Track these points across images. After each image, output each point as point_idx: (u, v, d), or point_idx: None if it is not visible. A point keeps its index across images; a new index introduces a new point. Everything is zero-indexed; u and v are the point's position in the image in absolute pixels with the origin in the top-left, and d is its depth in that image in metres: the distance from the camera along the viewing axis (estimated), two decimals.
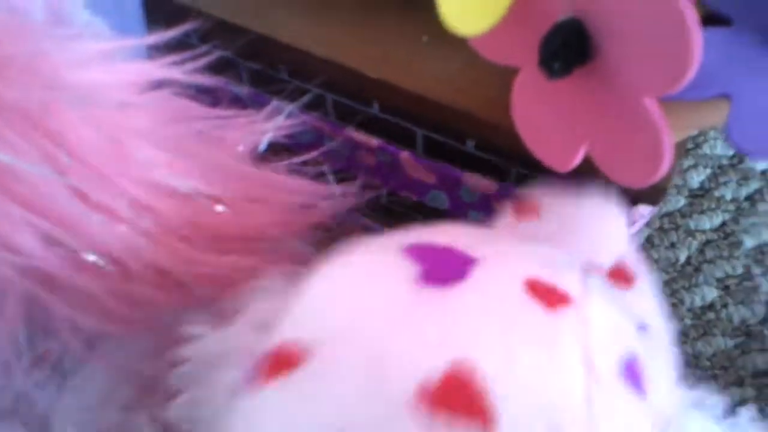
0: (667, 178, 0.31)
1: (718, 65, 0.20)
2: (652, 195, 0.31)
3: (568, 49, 0.21)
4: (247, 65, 0.38)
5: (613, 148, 0.22)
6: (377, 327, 0.20)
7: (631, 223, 0.35)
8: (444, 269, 0.21)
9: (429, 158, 0.36)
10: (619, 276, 0.27)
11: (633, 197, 0.32)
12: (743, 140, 0.21)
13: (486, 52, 0.24)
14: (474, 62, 0.32)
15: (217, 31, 0.34)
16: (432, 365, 0.19)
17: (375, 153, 0.37)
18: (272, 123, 0.32)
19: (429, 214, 0.39)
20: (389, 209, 0.41)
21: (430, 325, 0.20)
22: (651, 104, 0.20)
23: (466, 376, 0.19)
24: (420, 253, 0.22)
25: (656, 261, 0.52)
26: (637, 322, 0.24)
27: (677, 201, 0.54)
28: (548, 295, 0.20)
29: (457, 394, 0.18)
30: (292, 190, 0.32)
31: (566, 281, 0.21)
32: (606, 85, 0.21)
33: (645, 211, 0.33)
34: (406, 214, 0.40)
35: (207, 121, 0.30)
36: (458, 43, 0.32)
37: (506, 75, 0.31)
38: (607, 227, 0.28)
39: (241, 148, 0.31)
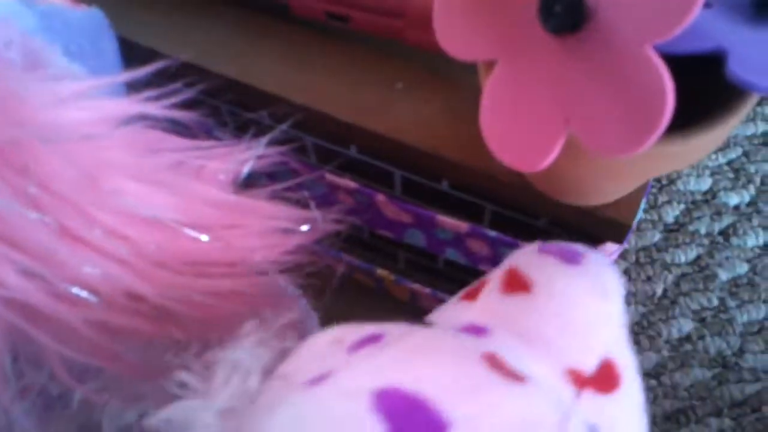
0: (630, 215, 0.32)
1: (713, 20, 0.21)
2: (617, 232, 0.32)
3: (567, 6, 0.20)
4: (228, 107, 0.39)
5: (603, 117, 0.21)
6: None
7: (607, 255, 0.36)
8: None
9: (407, 197, 0.37)
10: (604, 378, 0.25)
11: (598, 235, 0.34)
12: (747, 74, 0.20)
13: (457, 53, 0.24)
14: (446, 107, 0.33)
15: (195, 73, 0.35)
16: None
17: (353, 194, 0.38)
18: (252, 153, 0.33)
19: (409, 248, 0.40)
20: (370, 245, 0.42)
21: None
22: (651, 52, 0.20)
23: None
24: (390, 408, 0.21)
25: (634, 294, 0.53)
26: None
27: (653, 235, 0.55)
28: None
29: None
30: (272, 215, 0.32)
31: None
32: (599, 47, 0.20)
33: (612, 248, 0.34)
34: (386, 249, 0.41)
35: (185, 152, 0.31)
36: (431, 89, 0.34)
37: (476, 120, 0.32)
38: (599, 309, 0.26)
39: (221, 176, 0.32)
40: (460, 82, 0.34)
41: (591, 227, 0.33)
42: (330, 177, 0.37)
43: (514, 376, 0.22)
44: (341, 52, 0.35)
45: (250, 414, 0.23)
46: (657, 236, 0.55)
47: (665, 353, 0.52)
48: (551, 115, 0.22)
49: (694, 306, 0.53)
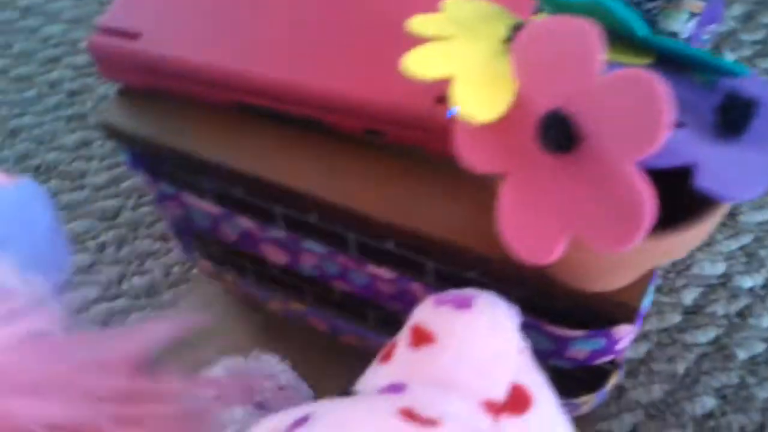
0: (638, 298, 0.36)
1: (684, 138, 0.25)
2: (627, 314, 0.36)
3: (562, 132, 0.25)
4: (281, 210, 0.44)
5: (596, 221, 0.25)
6: None
7: (617, 340, 0.40)
8: None
9: (438, 285, 0.42)
10: (517, 401, 0.27)
11: (611, 318, 0.37)
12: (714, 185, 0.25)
13: (471, 165, 0.28)
14: (472, 207, 0.38)
15: (254, 183, 0.41)
16: None
17: (392, 283, 0.42)
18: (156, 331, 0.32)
19: None
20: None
21: None
22: (632, 168, 0.23)
23: None
24: None
25: (657, 374, 0.56)
26: None
27: (672, 317, 0.59)
28: None
29: None
30: (181, 394, 0.32)
31: None
32: (590, 163, 0.24)
33: (627, 329, 0.38)
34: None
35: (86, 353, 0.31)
36: (458, 192, 0.39)
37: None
38: (500, 342, 0.29)
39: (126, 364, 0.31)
40: (482, 187, 0.39)
41: (604, 310, 0.36)
42: (371, 268, 0.42)
43: (430, 422, 0.26)
44: (377, 162, 0.40)
45: None
46: (677, 318, 0.59)
47: (690, 430, 0.54)
48: (553, 219, 0.27)
49: (716, 384, 0.56)
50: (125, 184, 0.69)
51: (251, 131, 0.41)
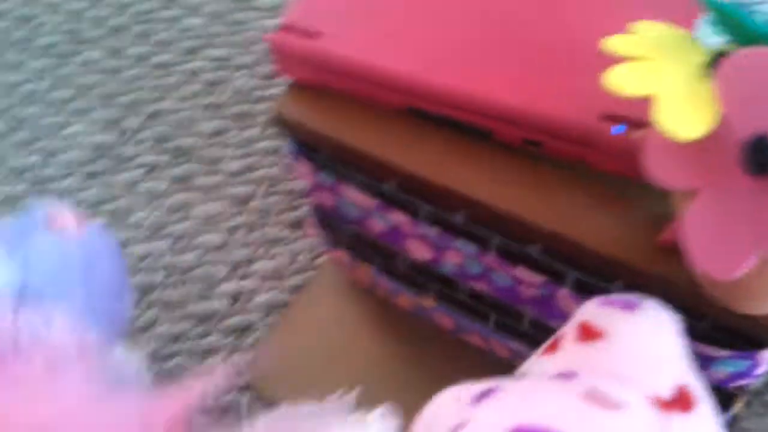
0: None
1: None
2: None
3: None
4: (427, 209, 0.46)
5: None
6: None
7: (761, 363, 0.41)
8: None
9: (579, 295, 0.43)
10: (682, 400, 0.29)
11: (759, 340, 0.39)
12: None
13: (663, 182, 0.30)
14: (629, 218, 0.40)
15: (416, 182, 0.43)
16: None
17: (536, 287, 0.44)
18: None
19: None
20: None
21: None
22: None
23: None
24: None
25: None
26: None
27: None
28: None
29: None
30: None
31: None
32: None
33: None
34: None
35: None
36: (614, 204, 0.40)
37: (655, 231, 0.39)
38: (666, 345, 0.31)
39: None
40: (635, 201, 0.40)
41: (755, 332, 0.38)
42: (519, 272, 0.44)
43: (612, 405, 0.28)
44: (536, 171, 0.42)
45: None
46: None
47: None
48: (744, 236, 0.28)
49: None
50: (258, 173, 0.72)
51: (417, 133, 0.44)
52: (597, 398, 0.28)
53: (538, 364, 0.33)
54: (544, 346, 0.34)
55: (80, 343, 0.37)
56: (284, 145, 0.65)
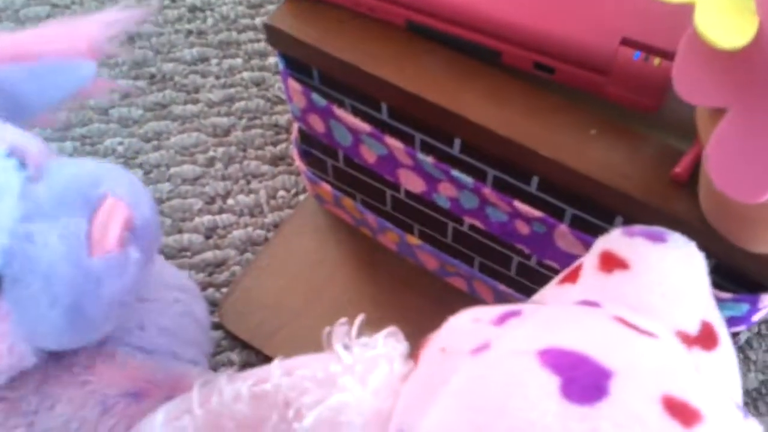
0: None
1: None
2: None
3: None
4: (420, 138, 0.44)
5: None
6: None
7: (759, 308, 0.39)
8: (583, 383, 0.23)
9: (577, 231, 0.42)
10: (707, 337, 0.28)
11: (762, 283, 0.37)
12: None
13: (693, 98, 0.28)
14: (638, 151, 0.38)
15: (403, 101, 0.41)
16: None
17: (531, 223, 0.42)
18: None
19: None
20: (536, 272, 0.47)
21: None
22: None
23: None
24: (556, 362, 0.24)
25: (754, 362, 0.56)
26: (738, 405, 0.27)
27: None
28: (684, 413, 0.23)
29: None
30: None
31: (694, 396, 0.24)
32: None
33: None
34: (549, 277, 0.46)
35: None
36: (621, 138, 0.38)
37: (665, 165, 0.37)
38: (693, 278, 0.30)
39: None
40: (645, 135, 0.39)
41: (757, 273, 0.36)
42: (517, 204, 0.42)
43: (647, 333, 0.26)
44: (542, 98, 0.40)
45: (421, 389, 0.27)
46: None
47: None
48: None
49: None
50: (239, 104, 0.69)
51: (417, 51, 0.41)
52: (628, 324, 0.26)
53: (555, 293, 0.31)
54: (561, 275, 0.32)
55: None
56: (269, 73, 0.62)
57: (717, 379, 0.28)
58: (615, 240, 0.31)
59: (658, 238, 0.30)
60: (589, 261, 0.30)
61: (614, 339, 0.25)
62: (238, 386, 0.32)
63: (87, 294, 0.35)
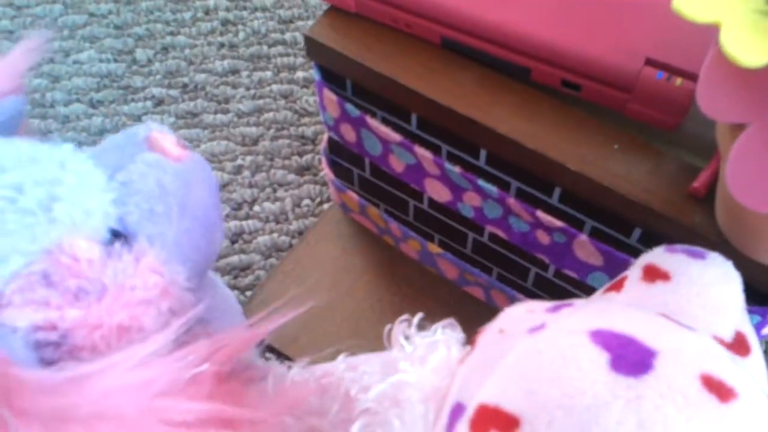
0: None
1: None
2: None
3: None
4: (448, 149, 0.46)
5: None
6: (584, 409, 0.25)
7: (767, 322, 0.41)
8: (631, 359, 0.26)
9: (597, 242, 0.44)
10: (740, 345, 0.30)
11: None
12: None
13: (716, 114, 0.30)
14: (659, 166, 0.40)
15: (435, 113, 0.43)
16: None
17: (552, 233, 0.44)
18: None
19: (588, 290, 0.46)
20: (553, 283, 0.48)
21: (630, 411, 0.25)
22: None
23: None
24: (606, 341, 0.27)
25: None
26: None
27: None
28: (720, 390, 0.26)
29: None
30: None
31: (730, 376, 0.27)
32: None
33: None
34: (566, 289, 0.47)
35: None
36: (643, 154, 0.40)
37: (683, 181, 0.39)
38: (729, 293, 0.32)
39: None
40: (665, 151, 0.41)
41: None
42: (540, 214, 0.44)
43: (687, 327, 0.28)
44: (568, 113, 0.42)
45: (479, 366, 0.29)
46: None
47: None
48: None
49: None
50: (267, 115, 0.72)
51: (449, 66, 0.44)
52: (672, 320, 0.29)
53: (601, 300, 0.34)
54: (606, 286, 0.34)
55: (165, 285, 0.36)
56: (298, 87, 0.64)
57: (752, 380, 0.30)
58: (658, 255, 0.33)
59: (699, 255, 0.32)
60: (634, 273, 0.33)
61: (659, 326, 0.28)
62: (306, 377, 0.34)
63: (189, 196, 0.38)
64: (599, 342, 0.27)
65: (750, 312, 0.40)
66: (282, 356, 0.59)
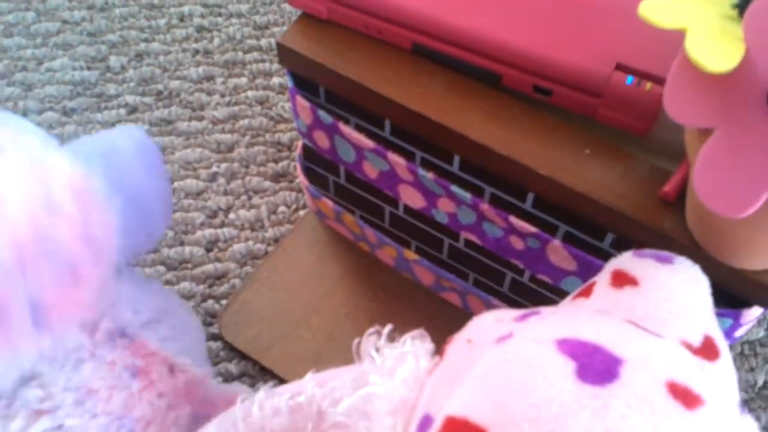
0: None
1: None
2: (764, 297, 0.38)
3: None
4: (422, 155, 0.46)
5: None
6: (551, 419, 0.25)
7: (741, 324, 0.41)
8: (597, 368, 0.26)
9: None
10: (709, 349, 0.30)
11: (747, 297, 0.39)
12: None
13: (682, 119, 0.30)
14: (629, 171, 0.40)
15: (407, 119, 0.43)
16: None
17: (526, 239, 0.44)
18: None
19: (563, 295, 0.46)
20: (529, 288, 0.48)
21: (596, 422, 0.25)
22: None
23: None
24: (572, 350, 0.27)
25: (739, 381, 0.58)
26: (736, 404, 0.30)
27: (758, 332, 0.60)
28: (686, 397, 0.26)
29: None
30: None
31: (697, 385, 0.27)
32: None
33: (756, 312, 0.40)
34: (542, 294, 0.47)
35: None
36: (613, 158, 0.41)
37: (654, 185, 0.39)
38: (697, 297, 0.32)
39: None
40: (636, 156, 0.41)
41: (741, 289, 0.38)
42: (513, 220, 0.44)
43: (655, 335, 0.29)
44: (540, 119, 0.42)
45: (447, 377, 0.29)
46: (761, 333, 0.60)
47: None
48: (757, 173, 0.29)
49: None
50: (242, 122, 0.71)
51: (421, 72, 0.43)
52: (639, 327, 0.29)
53: (570, 306, 0.33)
54: (575, 292, 0.34)
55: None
56: (273, 93, 0.64)
57: (719, 386, 0.30)
58: (626, 260, 0.33)
59: (666, 260, 0.32)
60: (602, 278, 0.33)
61: (625, 334, 0.28)
62: (276, 401, 0.34)
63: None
64: (566, 351, 0.26)
65: (722, 315, 0.40)
66: (257, 366, 0.59)
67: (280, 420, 0.34)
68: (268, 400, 0.35)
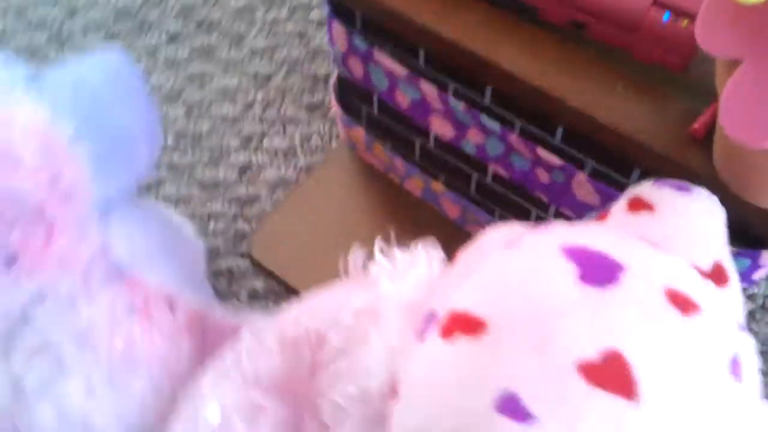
0: None
1: None
2: None
3: None
4: (454, 85, 0.46)
5: None
6: (548, 312, 0.26)
7: (760, 266, 0.42)
8: (598, 272, 0.27)
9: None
10: (718, 275, 0.31)
11: (765, 239, 0.40)
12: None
13: (711, 48, 0.31)
14: (661, 108, 0.40)
15: (441, 48, 0.43)
16: (592, 347, 0.25)
17: (552, 171, 0.45)
18: None
19: None
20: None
21: (593, 318, 0.26)
22: None
23: (619, 359, 0.25)
24: (577, 255, 0.28)
25: (756, 334, 0.58)
26: (738, 322, 0.30)
27: None
28: (685, 304, 0.27)
29: (610, 372, 0.25)
30: None
31: (696, 293, 0.28)
32: None
33: None
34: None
35: None
36: (648, 94, 0.41)
37: (684, 124, 0.39)
38: (712, 226, 0.33)
39: None
40: (667, 93, 0.41)
41: (762, 228, 0.39)
42: (540, 151, 0.44)
43: (662, 250, 0.29)
44: (574, 52, 0.42)
45: (455, 277, 0.30)
46: None
47: None
48: None
49: None
50: (280, 54, 0.72)
51: (462, 5, 0.43)
52: (650, 243, 0.29)
53: (586, 227, 0.34)
54: (591, 216, 0.35)
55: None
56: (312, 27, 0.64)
57: (726, 310, 0.31)
58: (645, 188, 0.34)
59: (685, 189, 0.33)
60: (619, 204, 0.34)
61: (631, 245, 0.29)
62: (269, 343, 0.35)
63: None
64: (570, 256, 0.27)
65: (741, 255, 0.41)
66: (282, 284, 0.61)
67: (274, 361, 0.36)
68: (257, 344, 0.36)
